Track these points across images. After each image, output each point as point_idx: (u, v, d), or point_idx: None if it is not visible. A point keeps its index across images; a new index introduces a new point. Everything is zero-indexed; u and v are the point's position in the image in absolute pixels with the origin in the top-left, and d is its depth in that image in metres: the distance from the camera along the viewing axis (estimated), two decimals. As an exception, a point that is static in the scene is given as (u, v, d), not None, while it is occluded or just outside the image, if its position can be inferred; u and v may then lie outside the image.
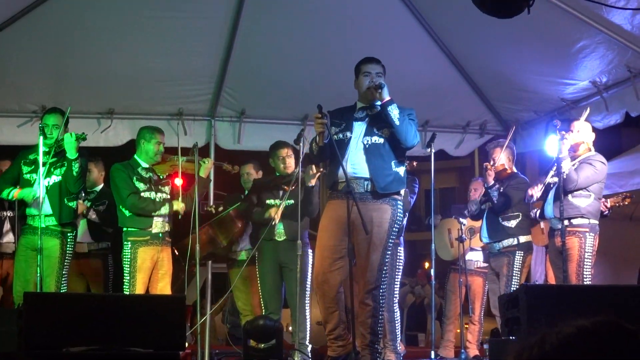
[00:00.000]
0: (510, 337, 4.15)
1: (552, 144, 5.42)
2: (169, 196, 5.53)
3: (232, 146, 7.20)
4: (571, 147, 5.31)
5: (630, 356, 1.09)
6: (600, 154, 5.41)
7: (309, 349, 5.69)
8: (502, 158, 5.92)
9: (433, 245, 5.74)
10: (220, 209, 6.07)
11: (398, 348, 5.88)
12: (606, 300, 3.98)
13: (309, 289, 5.67)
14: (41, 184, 5.08)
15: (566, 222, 5.20)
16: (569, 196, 5.26)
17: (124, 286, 5.35)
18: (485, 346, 6.17)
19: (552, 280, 5.78)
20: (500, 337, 4.66)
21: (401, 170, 4.54)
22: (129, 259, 5.33)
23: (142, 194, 5.38)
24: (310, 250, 5.70)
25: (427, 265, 14.26)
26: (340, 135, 4.52)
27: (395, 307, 5.85)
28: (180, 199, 5.52)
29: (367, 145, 4.46)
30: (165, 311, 4.07)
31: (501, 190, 5.85)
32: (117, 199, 5.44)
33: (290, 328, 6.55)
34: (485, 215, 6.05)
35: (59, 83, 6.48)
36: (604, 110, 6.11)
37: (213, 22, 6.08)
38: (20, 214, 5.43)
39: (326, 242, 4.47)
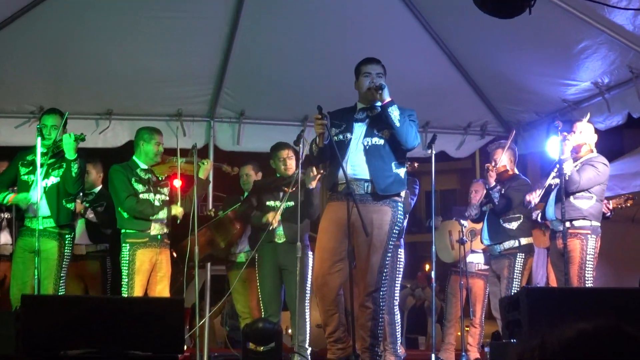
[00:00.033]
0: (512, 340, 4.13)
1: (553, 146, 5.39)
2: (167, 197, 5.51)
3: (231, 147, 7.19)
4: (573, 148, 5.29)
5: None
6: (602, 156, 5.38)
7: (309, 351, 5.66)
8: (503, 159, 5.90)
9: (434, 247, 5.71)
10: (220, 212, 6.05)
11: (398, 351, 5.85)
12: (608, 303, 3.95)
13: (308, 292, 5.64)
14: (39, 185, 5.05)
15: (568, 224, 5.18)
16: (571, 198, 5.24)
17: (122, 288, 5.32)
18: (486, 349, 6.13)
19: (553, 283, 5.76)
20: (501, 340, 4.63)
21: (401, 171, 4.52)
22: (127, 261, 5.30)
23: (140, 196, 5.36)
24: (310, 253, 5.68)
25: (427, 267, 14.24)
26: (341, 137, 4.49)
27: (395, 310, 5.83)
28: (179, 202, 5.48)
29: (367, 147, 4.43)
30: (164, 314, 4.05)
31: (502, 192, 5.83)
32: (116, 201, 5.43)
33: (289, 331, 6.53)
34: (486, 217, 6.02)
35: (57, 84, 6.48)
36: (605, 112, 6.10)
37: (212, 23, 6.07)
38: (18, 215, 5.39)
39: (326, 244, 4.44)
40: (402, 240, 5.86)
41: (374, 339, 4.40)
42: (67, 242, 5.25)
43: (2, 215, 6.04)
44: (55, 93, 6.45)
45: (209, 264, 6.60)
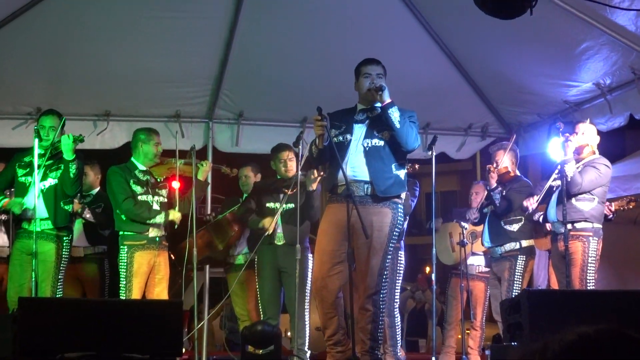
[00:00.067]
0: (512, 343, 4.12)
1: (555, 147, 5.37)
2: (166, 199, 5.49)
3: (230, 149, 7.18)
4: (575, 149, 5.27)
5: (633, 364, 1.09)
6: (605, 157, 5.35)
7: (308, 355, 5.64)
8: (505, 161, 5.88)
9: (434, 249, 5.69)
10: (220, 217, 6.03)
11: (398, 354, 5.85)
12: (610, 306, 3.94)
13: (308, 294, 5.61)
14: (36, 186, 5.02)
15: (569, 226, 5.16)
16: (573, 200, 5.22)
17: (121, 291, 5.30)
18: (487, 352, 6.11)
19: (554, 285, 5.74)
20: (502, 342, 4.60)
21: (402, 173, 4.49)
22: (125, 264, 5.28)
23: (139, 197, 5.34)
24: (310, 255, 5.65)
25: (428, 269, 14.21)
26: (340, 138, 4.46)
27: (395, 313, 5.82)
28: (177, 208, 5.44)
29: (367, 148, 4.40)
30: (162, 316, 4.05)
31: (504, 194, 5.81)
32: (113, 203, 5.42)
33: (289, 334, 6.50)
34: (487, 219, 6.00)
35: (55, 84, 6.46)
36: (607, 113, 6.09)
37: (211, 23, 6.06)
38: (15, 217, 5.36)
39: (325, 246, 4.42)
40: (402, 242, 5.85)
41: (373, 342, 4.37)
42: (64, 244, 5.23)
43: (-1, 217, 6.02)
44: (52, 94, 6.43)
45: (207, 266, 6.57)
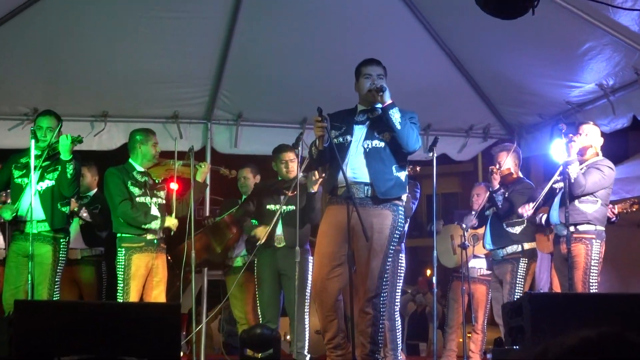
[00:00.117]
0: (514, 347, 4.08)
1: (557, 148, 5.33)
2: (164, 201, 5.45)
3: (228, 150, 7.16)
4: (579, 150, 5.22)
5: (634, 369, 1.08)
6: (608, 159, 5.32)
7: (308, 358, 5.62)
8: (508, 162, 5.85)
9: (435, 252, 5.65)
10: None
11: (399, 358, 5.84)
12: (613, 309, 3.91)
13: (308, 297, 5.57)
14: (33, 187, 4.98)
15: (572, 229, 5.13)
16: (576, 202, 5.19)
17: (118, 294, 5.28)
18: (489, 356, 6.10)
19: (557, 288, 5.71)
20: (504, 346, 4.58)
21: (402, 175, 4.46)
22: (123, 266, 5.25)
23: (137, 199, 5.31)
24: (310, 257, 5.62)
25: (429, 272, 14.19)
26: (341, 139, 4.43)
27: (396, 316, 5.80)
28: (173, 214, 5.40)
29: (367, 149, 4.37)
30: (160, 319, 4.01)
31: (506, 195, 5.77)
32: (110, 205, 5.39)
33: (288, 337, 6.47)
34: (489, 221, 5.96)
35: (52, 85, 6.45)
36: (610, 114, 6.08)
37: (209, 23, 6.04)
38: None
39: (325, 248, 4.39)
40: (403, 244, 5.84)
41: (374, 346, 4.34)
42: (61, 246, 5.19)
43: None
44: (49, 94, 6.41)
45: (205, 269, 6.54)
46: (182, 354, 4.79)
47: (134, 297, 5.20)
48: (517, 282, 5.72)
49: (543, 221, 5.63)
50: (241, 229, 5.95)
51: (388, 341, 5.67)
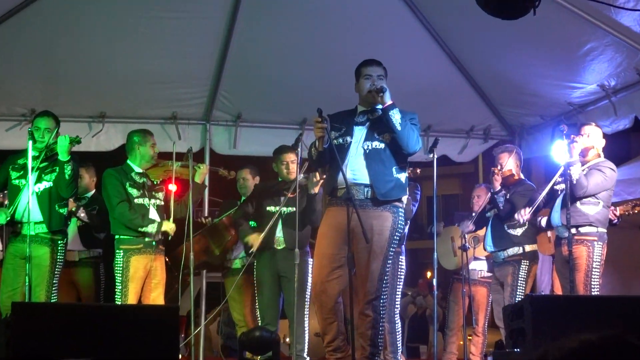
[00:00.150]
0: (515, 350, 4.05)
1: (558, 150, 5.31)
2: (162, 202, 5.43)
3: (227, 151, 7.16)
4: (581, 151, 5.19)
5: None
6: (609, 160, 5.30)
7: (307, 361, 5.56)
8: (509, 163, 5.83)
9: (435, 254, 5.61)
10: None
11: (399, 360, 5.78)
12: (614, 311, 3.89)
13: (308, 300, 5.55)
14: (30, 189, 4.95)
15: (574, 231, 5.11)
16: (577, 203, 5.17)
17: (116, 296, 5.25)
18: (489, 358, 6.09)
19: (558, 291, 5.68)
20: (505, 349, 4.56)
21: (402, 176, 4.44)
22: (121, 268, 5.23)
23: (135, 200, 5.28)
24: (310, 260, 5.60)
25: (429, 274, 14.17)
26: (340, 140, 4.41)
27: (396, 318, 5.79)
28: (171, 218, 5.37)
29: (367, 151, 4.35)
30: (158, 322, 4.01)
31: (507, 197, 5.75)
32: (108, 206, 5.36)
33: (287, 339, 6.44)
34: (490, 222, 5.94)
35: (49, 85, 6.45)
36: (612, 115, 6.08)
37: (208, 23, 6.04)
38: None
39: (325, 250, 4.37)
40: (403, 246, 5.83)
41: (374, 348, 4.32)
42: (59, 248, 5.17)
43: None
44: (47, 95, 6.41)
45: (204, 271, 6.52)
46: (180, 356, 4.77)
47: (132, 299, 5.17)
48: (518, 284, 5.70)
49: (543, 224, 5.61)
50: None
51: (388, 344, 5.65)
